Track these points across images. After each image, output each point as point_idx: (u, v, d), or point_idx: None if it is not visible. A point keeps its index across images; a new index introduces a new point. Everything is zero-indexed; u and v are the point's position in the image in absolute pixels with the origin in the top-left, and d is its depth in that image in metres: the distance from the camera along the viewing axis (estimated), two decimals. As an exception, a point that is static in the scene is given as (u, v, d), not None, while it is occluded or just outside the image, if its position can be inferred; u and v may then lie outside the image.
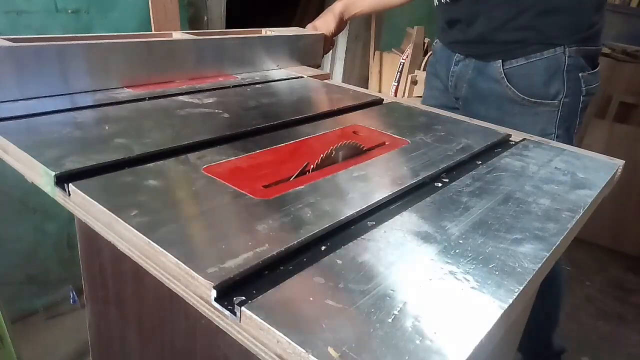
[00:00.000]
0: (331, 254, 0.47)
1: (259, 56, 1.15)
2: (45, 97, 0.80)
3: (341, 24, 1.29)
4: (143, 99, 0.85)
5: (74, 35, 0.88)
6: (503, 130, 0.92)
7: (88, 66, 0.84)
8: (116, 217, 0.48)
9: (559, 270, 1.23)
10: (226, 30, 1.20)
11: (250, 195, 0.55)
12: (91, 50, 0.84)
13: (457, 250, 0.50)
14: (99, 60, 0.86)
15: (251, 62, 1.13)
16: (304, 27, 1.32)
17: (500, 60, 1.03)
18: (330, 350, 0.35)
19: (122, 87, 0.89)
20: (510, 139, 0.89)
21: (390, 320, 0.38)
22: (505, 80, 1.03)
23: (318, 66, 1.32)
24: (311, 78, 1.17)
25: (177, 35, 1.06)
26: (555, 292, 1.24)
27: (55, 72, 0.80)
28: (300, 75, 1.17)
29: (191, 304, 0.43)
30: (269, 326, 0.36)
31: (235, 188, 0.57)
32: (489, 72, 1.06)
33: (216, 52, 1.06)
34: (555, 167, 0.76)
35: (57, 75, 0.81)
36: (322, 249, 0.47)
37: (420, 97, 1.98)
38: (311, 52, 1.29)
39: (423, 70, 2.34)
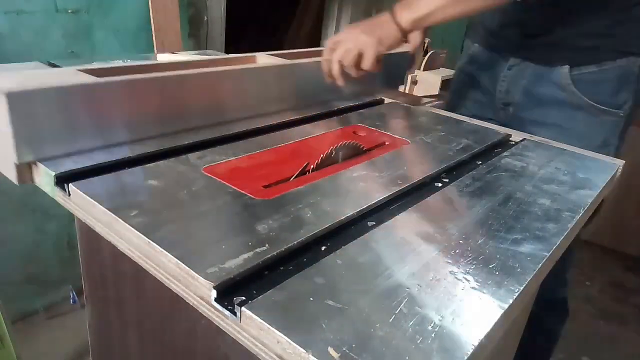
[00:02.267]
0: (331, 254, 0.47)
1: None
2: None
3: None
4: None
5: (147, 63, 0.78)
6: (503, 130, 0.92)
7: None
8: (116, 217, 0.48)
9: (566, 296, 1.19)
10: (296, 51, 1.01)
11: (250, 195, 0.55)
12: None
13: (457, 250, 0.50)
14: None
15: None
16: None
17: (568, 66, 0.97)
18: (330, 350, 0.35)
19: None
20: (510, 139, 0.90)
21: (390, 320, 0.38)
22: (573, 86, 0.97)
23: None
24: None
25: (263, 60, 0.92)
26: (562, 314, 1.21)
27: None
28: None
29: (191, 304, 0.43)
30: (269, 326, 0.36)
31: (235, 188, 0.57)
32: (553, 77, 0.99)
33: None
34: (556, 167, 0.76)
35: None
36: (322, 249, 0.47)
37: (420, 97, 1.97)
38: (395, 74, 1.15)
39: (423, 70, 2.34)
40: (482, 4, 0.86)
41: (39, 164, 0.58)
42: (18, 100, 0.55)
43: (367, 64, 0.86)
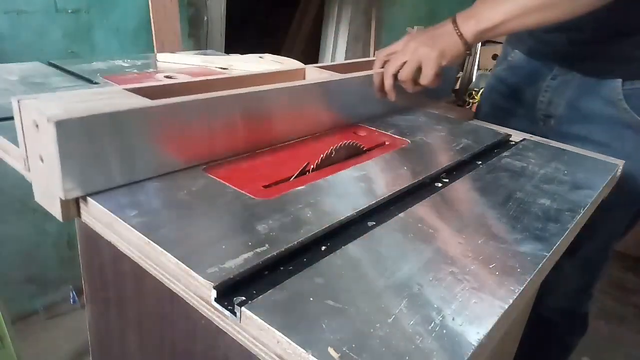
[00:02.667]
0: (331, 254, 0.47)
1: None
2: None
3: None
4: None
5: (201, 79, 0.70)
6: (503, 130, 0.92)
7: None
8: (116, 217, 0.48)
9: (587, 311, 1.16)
10: (346, 63, 0.96)
11: (250, 195, 0.55)
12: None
13: (457, 250, 0.50)
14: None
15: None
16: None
17: (620, 80, 0.88)
18: (330, 350, 0.35)
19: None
20: (510, 139, 0.89)
21: (390, 320, 0.38)
22: (624, 102, 0.88)
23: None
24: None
25: (312, 73, 0.87)
26: (582, 328, 1.18)
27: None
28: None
29: (191, 304, 0.43)
30: (269, 326, 0.36)
31: (235, 188, 0.57)
32: (602, 91, 0.91)
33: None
34: (556, 167, 0.76)
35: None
36: (322, 249, 0.47)
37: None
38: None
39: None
40: (566, 10, 0.75)
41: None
42: (67, 129, 0.48)
43: (427, 78, 0.79)
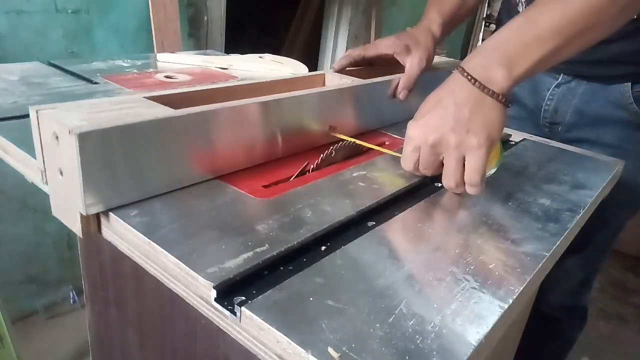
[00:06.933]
0: (331, 254, 0.47)
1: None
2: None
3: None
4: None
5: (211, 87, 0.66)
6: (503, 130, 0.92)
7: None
8: (116, 217, 0.48)
9: (586, 306, 1.18)
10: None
11: (250, 195, 0.55)
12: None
13: (457, 250, 0.50)
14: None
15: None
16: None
17: (630, 83, 0.89)
18: (330, 350, 0.35)
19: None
20: (510, 139, 0.90)
21: (390, 320, 0.38)
22: (635, 105, 0.89)
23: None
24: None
25: (332, 79, 0.82)
26: (582, 321, 1.20)
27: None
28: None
29: (191, 304, 0.43)
30: (269, 326, 0.36)
31: (235, 188, 0.57)
32: (610, 95, 0.91)
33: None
34: (556, 167, 0.76)
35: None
36: (322, 249, 0.47)
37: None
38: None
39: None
40: (609, 28, 0.61)
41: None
42: (90, 142, 0.45)
43: (478, 177, 0.57)
